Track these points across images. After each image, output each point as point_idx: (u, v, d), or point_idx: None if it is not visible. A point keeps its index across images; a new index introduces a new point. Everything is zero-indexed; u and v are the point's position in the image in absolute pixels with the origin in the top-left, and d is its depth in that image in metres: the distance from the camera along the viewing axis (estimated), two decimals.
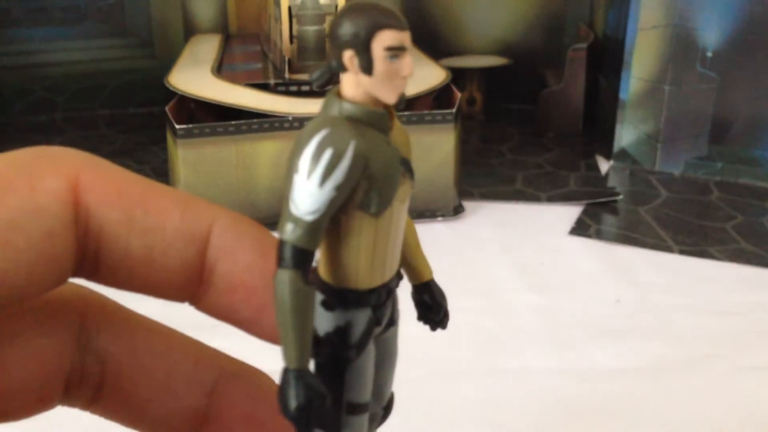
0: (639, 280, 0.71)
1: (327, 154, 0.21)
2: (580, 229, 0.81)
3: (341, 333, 0.23)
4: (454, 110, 0.81)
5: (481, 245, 0.78)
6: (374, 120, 0.22)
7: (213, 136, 0.78)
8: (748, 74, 0.91)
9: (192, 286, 0.24)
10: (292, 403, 0.21)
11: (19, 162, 0.22)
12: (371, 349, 0.24)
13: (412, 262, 0.27)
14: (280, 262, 0.22)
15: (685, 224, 0.82)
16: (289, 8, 0.86)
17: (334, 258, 0.23)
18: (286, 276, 0.21)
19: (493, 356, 0.60)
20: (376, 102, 0.22)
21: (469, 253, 0.77)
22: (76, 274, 0.23)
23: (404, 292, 0.26)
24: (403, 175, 0.23)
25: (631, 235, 0.80)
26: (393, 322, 0.25)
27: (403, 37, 0.21)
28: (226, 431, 0.26)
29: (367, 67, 0.22)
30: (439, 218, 0.83)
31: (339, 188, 0.21)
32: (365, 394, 0.24)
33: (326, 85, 0.23)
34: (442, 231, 0.81)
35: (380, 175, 0.22)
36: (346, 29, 0.22)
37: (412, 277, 0.28)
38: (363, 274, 0.23)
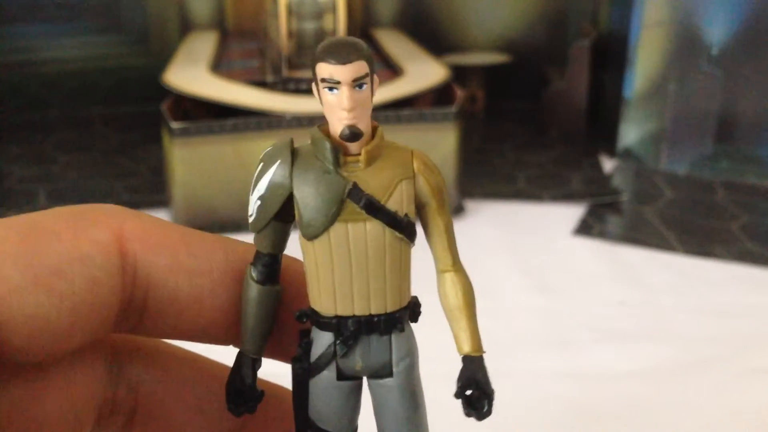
0: (643, 281, 0.70)
1: (258, 167, 0.24)
2: (583, 229, 0.80)
3: (306, 348, 0.24)
4: (455, 108, 0.80)
5: (483, 246, 0.77)
6: (318, 149, 0.24)
7: (210, 135, 0.78)
8: (754, 72, 0.90)
9: (239, 326, 0.25)
10: (228, 381, 0.25)
11: (65, 215, 0.23)
12: (331, 379, 0.24)
13: (450, 326, 0.26)
14: None
15: (690, 224, 0.82)
16: (287, 4, 0.86)
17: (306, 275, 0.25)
18: (247, 271, 0.25)
19: (494, 359, 0.58)
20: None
21: (471, 254, 0.75)
22: (120, 328, 0.24)
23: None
24: (349, 206, 0.23)
25: (636, 236, 0.79)
26: (387, 372, 0.25)
27: (336, 72, 0.22)
28: None
29: (319, 98, 0.23)
30: None
31: (262, 198, 0.24)
32: (327, 422, 0.25)
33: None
34: None
35: (307, 200, 0.23)
36: (312, 63, 0.23)
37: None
38: (317, 298, 0.24)
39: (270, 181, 0.24)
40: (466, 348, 0.25)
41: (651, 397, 0.54)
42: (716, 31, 0.91)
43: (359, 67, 0.23)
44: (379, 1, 1.15)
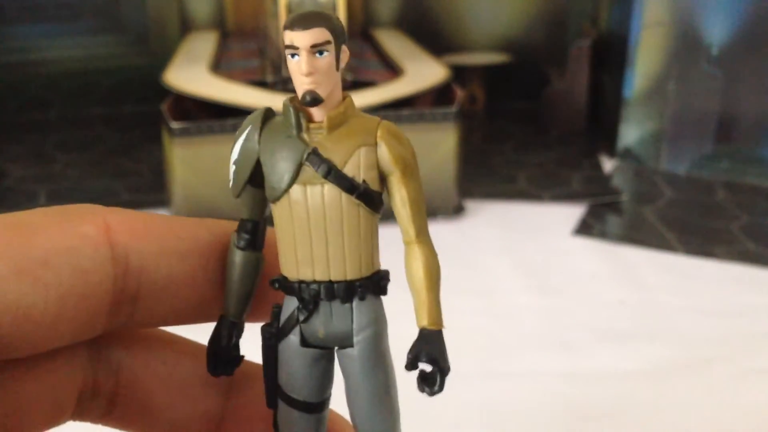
0: (643, 281, 0.70)
1: (236, 134, 0.25)
2: (583, 229, 0.80)
3: (277, 312, 0.25)
4: (454, 108, 0.80)
5: (483, 245, 0.77)
6: (285, 114, 0.25)
7: (210, 135, 0.78)
8: (754, 72, 0.90)
9: None
10: (209, 342, 0.26)
11: (50, 213, 0.23)
12: (295, 345, 0.25)
13: (412, 300, 0.25)
14: None
15: (690, 224, 0.81)
16: (287, 4, 0.86)
17: None
18: (231, 237, 0.26)
19: (494, 359, 0.59)
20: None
21: (470, 254, 0.76)
22: (113, 322, 0.24)
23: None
24: (308, 170, 0.24)
25: (636, 236, 0.79)
26: (349, 342, 0.25)
27: (295, 37, 0.23)
28: (244, 429, 0.27)
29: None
30: (440, 218, 0.82)
31: (236, 163, 0.25)
32: (295, 389, 0.25)
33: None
34: (442, 231, 0.80)
35: (270, 162, 0.24)
36: None
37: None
38: (283, 262, 0.25)
39: (241, 146, 0.25)
40: (424, 321, 0.24)
41: (651, 397, 0.54)
42: (716, 31, 0.91)
43: (319, 34, 0.23)
44: (379, 1, 1.15)
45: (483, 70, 1.16)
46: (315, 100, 0.24)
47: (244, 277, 0.25)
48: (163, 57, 1.01)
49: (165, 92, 0.84)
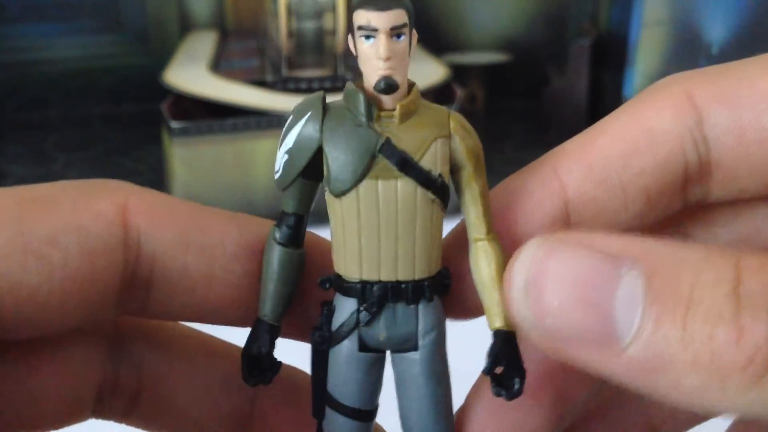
0: None
1: (288, 121, 0.23)
2: None
3: (327, 316, 0.23)
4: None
5: None
6: (351, 102, 0.23)
7: (210, 134, 0.78)
8: None
9: (256, 304, 0.24)
10: (244, 349, 0.23)
11: (68, 187, 0.22)
12: (353, 350, 0.23)
13: (482, 299, 0.24)
14: None
15: None
16: (287, 4, 0.86)
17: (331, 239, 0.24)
18: (270, 233, 0.24)
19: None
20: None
21: None
22: (125, 308, 0.23)
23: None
24: (381, 163, 0.22)
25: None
26: (411, 345, 0.23)
27: (374, 18, 0.21)
28: None
29: (354, 49, 0.22)
30: None
31: (290, 152, 0.23)
32: (347, 397, 0.24)
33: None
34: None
35: (337, 153, 0.22)
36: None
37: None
38: (342, 262, 0.23)
39: (299, 134, 0.23)
40: (498, 322, 0.24)
41: None
42: (716, 30, 0.91)
43: (399, 15, 0.22)
44: None
45: (483, 69, 1.16)
46: (391, 86, 0.22)
47: (286, 275, 0.23)
48: (163, 57, 1.00)
49: (165, 92, 0.84)
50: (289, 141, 0.23)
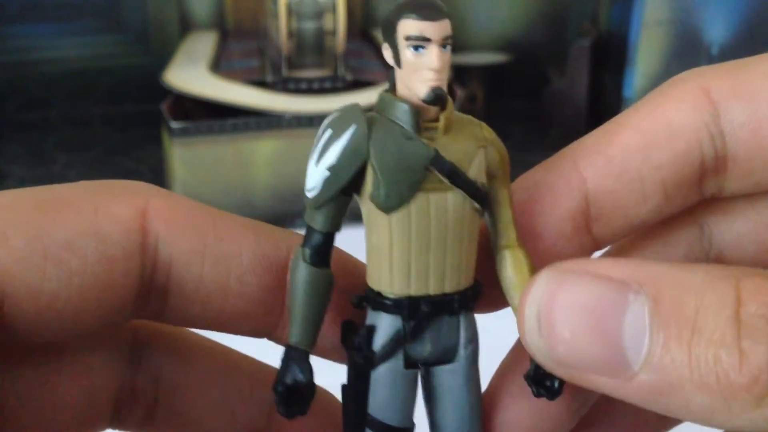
0: None
1: (325, 135, 0.22)
2: None
3: (367, 336, 0.22)
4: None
5: None
6: (393, 112, 0.22)
7: (210, 135, 0.78)
8: None
9: (273, 316, 0.23)
10: (278, 379, 0.22)
11: (89, 188, 0.22)
12: (399, 368, 0.23)
13: (512, 305, 0.24)
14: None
15: None
16: (287, 4, 0.86)
17: (366, 255, 0.23)
18: (297, 252, 0.22)
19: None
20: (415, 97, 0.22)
21: None
22: (142, 313, 0.22)
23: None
24: (430, 175, 0.22)
25: None
26: (451, 356, 0.23)
27: (426, 28, 0.21)
28: None
29: (396, 60, 0.22)
30: None
31: (332, 169, 0.21)
32: (392, 416, 0.23)
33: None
34: None
35: (388, 167, 0.21)
36: (383, 23, 0.22)
37: None
38: (387, 278, 0.22)
39: (344, 148, 0.21)
40: None
41: None
42: (716, 30, 0.91)
43: (447, 26, 0.21)
44: (378, 1, 1.15)
45: (483, 69, 1.16)
46: (442, 97, 0.22)
47: (318, 298, 0.22)
48: (163, 57, 1.01)
49: (165, 92, 0.84)
50: (331, 156, 0.21)
